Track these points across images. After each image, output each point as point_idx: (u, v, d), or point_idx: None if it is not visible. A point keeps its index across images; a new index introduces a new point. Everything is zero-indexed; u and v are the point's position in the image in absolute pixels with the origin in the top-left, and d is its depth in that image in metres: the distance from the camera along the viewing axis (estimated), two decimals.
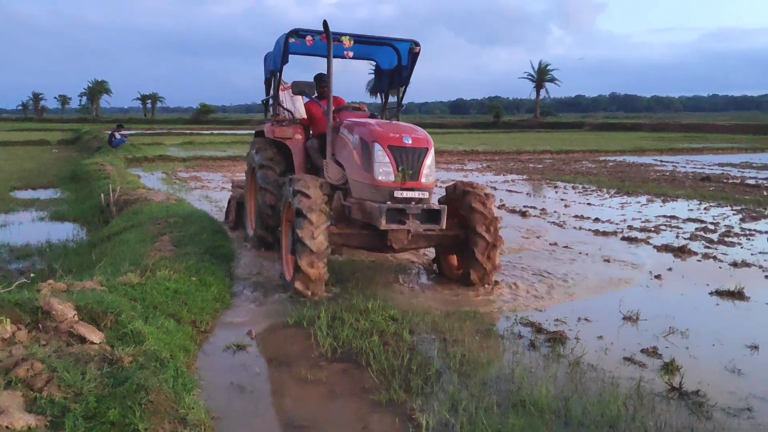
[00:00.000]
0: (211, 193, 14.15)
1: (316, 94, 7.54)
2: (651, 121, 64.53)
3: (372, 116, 7.33)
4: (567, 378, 4.33)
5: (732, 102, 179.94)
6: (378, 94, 8.93)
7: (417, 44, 7.70)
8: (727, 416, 3.84)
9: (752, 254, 8.46)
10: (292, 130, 7.71)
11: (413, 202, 5.99)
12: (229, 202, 10.09)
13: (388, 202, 5.87)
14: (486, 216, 6.41)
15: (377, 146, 5.97)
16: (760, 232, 10.13)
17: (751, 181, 18.13)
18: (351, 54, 7.54)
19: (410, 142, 6.06)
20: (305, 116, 8.08)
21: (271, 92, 8.18)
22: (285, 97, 8.02)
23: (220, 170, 19.83)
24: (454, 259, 7.06)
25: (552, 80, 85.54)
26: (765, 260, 8.13)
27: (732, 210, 12.51)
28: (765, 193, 15.31)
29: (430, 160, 6.13)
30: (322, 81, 7.69)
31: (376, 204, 5.88)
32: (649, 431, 3.61)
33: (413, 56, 7.77)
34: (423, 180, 6.05)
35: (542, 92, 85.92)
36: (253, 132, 8.78)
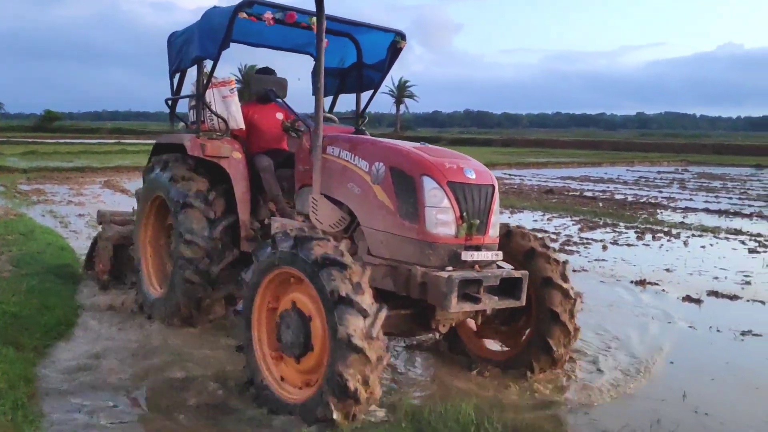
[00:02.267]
0: (57, 208, 13.21)
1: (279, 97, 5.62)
2: (501, 137, 68.04)
3: (359, 132, 5.42)
4: None
5: (573, 119, 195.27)
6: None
7: (403, 38, 5.90)
8: None
9: (588, 261, 9.22)
10: (228, 145, 5.49)
11: (484, 267, 4.21)
12: (95, 243, 6.99)
13: (449, 268, 4.03)
14: (569, 295, 4.56)
15: (429, 182, 4.06)
16: (596, 240, 11.00)
17: (589, 194, 19.36)
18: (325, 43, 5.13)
19: (474, 177, 4.22)
20: (243, 125, 5.74)
21: (193, 89, 5.75)
22: (214, 97, 5.63)
23: (67, 182, 18.57)
24: (481, 333, 5.11)
25: (411, 96, 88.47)
26: (600, 266, 8.89)
27: (572, 220, 13.40)
28: (600, 204, 16.41)
29: (497, 203, 4.37)
30: (251, 78, 6.30)
31: (431, 271, 3.96)
32: None
33: (394, 53, 6.00)
34: (491, 233, 4.28)
35: (402, 107, 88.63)
36: (153, 145, 6.28)
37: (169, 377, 4.51)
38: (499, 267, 4.39)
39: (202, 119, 5.60)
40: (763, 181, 27.30)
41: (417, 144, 4.56)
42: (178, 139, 5.69)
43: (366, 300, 3.57)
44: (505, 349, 4.99)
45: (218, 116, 5.56)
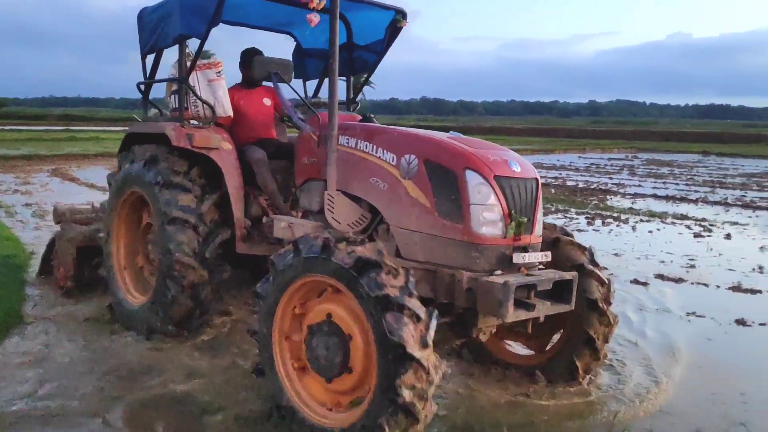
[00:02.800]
0: (2, 197, 12.76)
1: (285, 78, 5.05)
2: (457, 124, 68.28)
3: (368, 119, 4.71)
4: None
5: (528, 107, 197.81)
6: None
7: (404, 16, 5.37)
8: None
9: None
10: (217, 134, 4.94)
11: (534, 269, 3.82)
12: (52, 246, 6.31)
13: (498, 271, 3.63)
14: (603, 281, 4.20)
15: (474, 177, 3.64)
16: None
17: (542, 180, 19.80)
18: (316, 20, 4.51)
19: (519, 170, 3.84)
20: (231, 112, 5.19)
21: (173, 72, 5.14)
22: (198, 81, 5.03)
23: (13, 171, 17.97)
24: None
25: (368, 83, 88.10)
26: None
27: None
28: (552, 191, 16.54)
29: (541, 199, 3.98)
30: (253, 60, 5.23)
31: (480, 276, 3.54)
32: None
33: (393, 33, 5.47)
34: (537, 231, 3.88)
35: (360, 95, 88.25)
36: (126, 134, 5.58)
37: (157, 397, 4.02)
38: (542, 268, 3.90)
39: (186, 106, 5.03)
40: (709, 167, 28.11)
41: (447, 134, 4.14)
42: (158, 128, 5.03)
43: (417, 303, 3.11)
44: (531, 352, 4.62)
45: (204, 102, 5.01)
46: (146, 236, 5.35)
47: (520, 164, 3.88)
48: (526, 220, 3.72)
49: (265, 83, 5.50)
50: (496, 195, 3.64)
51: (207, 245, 4.71)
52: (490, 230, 3.62)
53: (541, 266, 3.87)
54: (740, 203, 15.13)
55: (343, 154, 4.21)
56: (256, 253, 4.86)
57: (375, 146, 4.09)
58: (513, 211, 3.69)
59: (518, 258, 3.69)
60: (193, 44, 5.02)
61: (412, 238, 3.80)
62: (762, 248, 9.84)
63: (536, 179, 3.94)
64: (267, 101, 5.49)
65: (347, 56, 5.70)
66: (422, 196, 3.76)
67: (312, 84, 6.14)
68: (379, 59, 5.64)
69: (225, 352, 4.81)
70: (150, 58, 5.59)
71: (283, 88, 5.02)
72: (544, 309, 3.63)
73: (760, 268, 8.35)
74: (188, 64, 4.94)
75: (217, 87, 5.07)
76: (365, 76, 6.01)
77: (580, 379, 4.33)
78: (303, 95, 5.54)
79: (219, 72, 5.09)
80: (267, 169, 5.00)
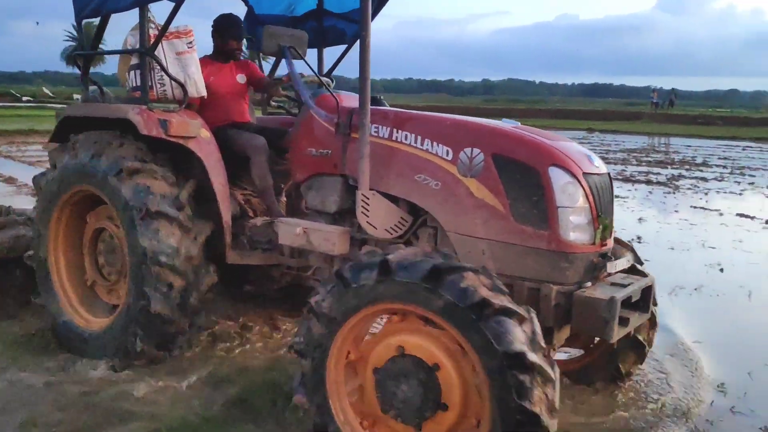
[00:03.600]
0: None
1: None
2: None
3: (377, 101, 4.02)
4: None
5: (425, 85, 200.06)
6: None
7: None
8: None
9: None
10: (194, 120, 4.14)
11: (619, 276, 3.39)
12: None
13: (588, 283, 3.19)
14: (655, 321, 3.90)
15: (561, 175, 3.14)
16: None
17: None
18: None
19: (599, 165, 3.40)
20: (204, 92, 4.36)
21: (132, 41, 4.24)
22: (164, 54, 4.16)
23: None
24: None
25: (265, 58, 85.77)
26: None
27: None
28: None
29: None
30: (233, 28, 4.58)
31: (575, 291, 3.07)
32: None
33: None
34: (614, 233, 3.46)
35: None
36: (61, 118, 4.54)
37: None
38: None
39: (150, 84, 4.15)
40: (594, 143, 29.36)
41: (504, 123, 3.61)
42: (117, 111, 4.07)
43: (547, 361, 2.59)
44: (577, 355, 4.14)
45: (174, 80, 4.12)
46: (95, 245, 4.48)
47: (597, 158, 3.42)
48: (608, 221, 3.29)
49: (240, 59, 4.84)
50: (585, 195, 3.16)
51: (192, 241, 3.93)
52: (579, 236, 3.14)
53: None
54: (621, 177, 15.93)
55: (374, 146, 3.53)
56: (249, 263, 4.23)
57: (420, 137, 3.49)
58: (600, 214, 3.24)
59: (611, 267, 3.25)
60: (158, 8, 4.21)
61: (478, 246, 3.23)
62: (640, 219, 10.34)
63: (610, 174, 3.48)
64: (241, 78, 4.74)
65: (316, 25, 5.10)
66: (492, 198, 3.21)
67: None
68: (365, 30, 4.61)
69: (224, 380, 3.96)
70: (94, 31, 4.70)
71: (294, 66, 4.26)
72: (634, 321, 3.23)
73: (639, 238, 8.79)
74: (151, 32, 4.09)
75: (188, 61, 4.22)
76: (345, 49, 5.20)
77: (620, 383, 4.04)
78: (263, 70, 5.05)
79: (191, 43, 4.25)
80: (266, 159, 4.27)
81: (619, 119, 50.65)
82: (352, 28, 4.99)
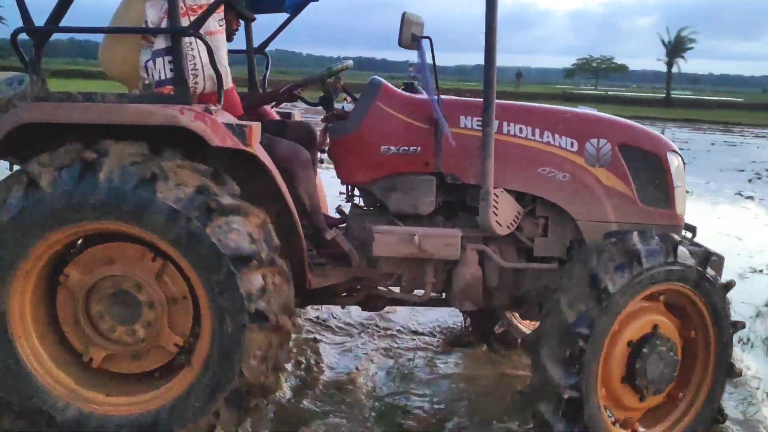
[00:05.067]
0: None
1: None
2: None
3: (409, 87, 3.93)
4: None
5: None
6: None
7: None
8: None
9: None
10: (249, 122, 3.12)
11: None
12: None
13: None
14: None
15: (674, 159, 3.61)
16: None
17: None
18: None
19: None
20: (231, 83, 3.50)
21: (154, 17, 3.16)
22: (150, 12, 3.19)
23: None
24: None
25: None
26: None
27: None
28: None
29: None
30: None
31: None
32: None
33: None
34: None
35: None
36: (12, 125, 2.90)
37: None
38: None
39: (184, 76, 3.08)
40: None
41: (587, 110, 3.92)
42: (160, 116, 2.88)
43: None
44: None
45: (214, 69, 3.13)
46: (87, 304, 3.14)
47: None
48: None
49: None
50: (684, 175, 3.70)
51: (289, 286, 3.17)
52: (682, 210, 3.66)
53: None
54: None
55: (479, 140, 3.38)
56: (331, 283, 3.65)
57: (539, 130, 3.56)
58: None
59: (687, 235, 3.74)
60: None
61: (609, 229, 3.47)
62: None
63: None
64: None
65: None
66: (621, 184, 3.56)
67: None
68: None
69: None
70: None
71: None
72: None
73: None
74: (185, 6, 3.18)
75: (219, 43, 3.34)
76: (288, 18, 4.35)
77: None
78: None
79: (221, 20, 3.38)
80: (312, 172, 3.74)
81: None
82: None
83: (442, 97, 3.57)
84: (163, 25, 3.15)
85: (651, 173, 3.56)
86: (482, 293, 3.61)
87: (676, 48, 62.36)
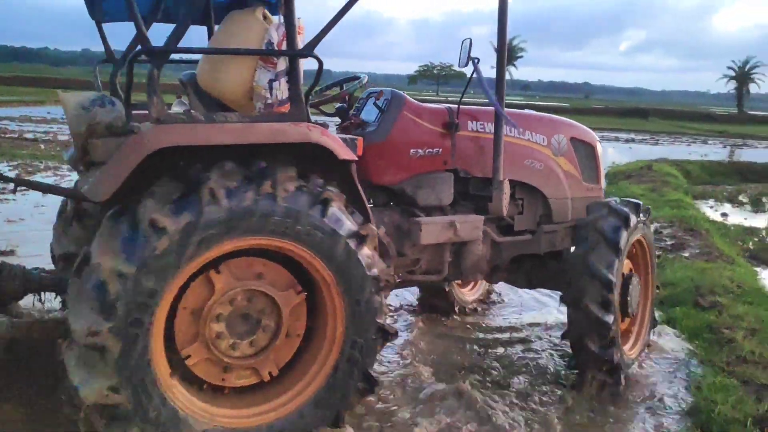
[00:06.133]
0: None
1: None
2: None
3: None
4: None
5: (12, 53, 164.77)
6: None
7: None
8: None
9: (28, 207, 8.53)
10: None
11: None
12: None
13: None
14: None
15: (600, 147, 5.22)
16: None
17: (30, 135, 18.24)
18: None
19: None
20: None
21: (274, 37, 3.39)
22: (273, 35, 3.35)
23: None
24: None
25: None
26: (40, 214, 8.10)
27: (8, 166, 12.11)
28: (42, 146, 15.78)
29: None
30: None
31: None
32: None
33: None
34: None
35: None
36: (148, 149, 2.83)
37: None
38: None
39: (301, 95, 3.25)
40: None
41: (532, 112, 5.12)
42: (294, 133, 3.11)
43: None
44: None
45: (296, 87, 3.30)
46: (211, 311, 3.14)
47: None
48: None
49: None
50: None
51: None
52: (604, 185, 5.12)
53: None
54: None
55: (484, 141, 4.37)
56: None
57: (522, 130, 4.55)
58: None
59: None
60: None
61: (567, 204, 4.75)
62: None
63: None
64: None
65: None
66: (573, 168, 4.80)
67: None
68: None
69: None
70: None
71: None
72: None
73: None
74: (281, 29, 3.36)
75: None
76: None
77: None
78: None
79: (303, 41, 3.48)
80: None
81: None
82: None
83: (451, 105, 4.38)
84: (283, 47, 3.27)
85: (588, 159, 4.89)
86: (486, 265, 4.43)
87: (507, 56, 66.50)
